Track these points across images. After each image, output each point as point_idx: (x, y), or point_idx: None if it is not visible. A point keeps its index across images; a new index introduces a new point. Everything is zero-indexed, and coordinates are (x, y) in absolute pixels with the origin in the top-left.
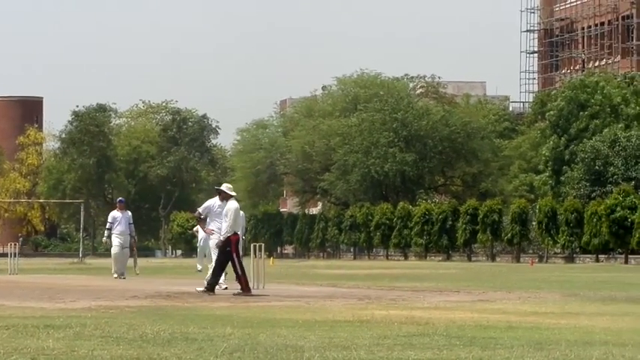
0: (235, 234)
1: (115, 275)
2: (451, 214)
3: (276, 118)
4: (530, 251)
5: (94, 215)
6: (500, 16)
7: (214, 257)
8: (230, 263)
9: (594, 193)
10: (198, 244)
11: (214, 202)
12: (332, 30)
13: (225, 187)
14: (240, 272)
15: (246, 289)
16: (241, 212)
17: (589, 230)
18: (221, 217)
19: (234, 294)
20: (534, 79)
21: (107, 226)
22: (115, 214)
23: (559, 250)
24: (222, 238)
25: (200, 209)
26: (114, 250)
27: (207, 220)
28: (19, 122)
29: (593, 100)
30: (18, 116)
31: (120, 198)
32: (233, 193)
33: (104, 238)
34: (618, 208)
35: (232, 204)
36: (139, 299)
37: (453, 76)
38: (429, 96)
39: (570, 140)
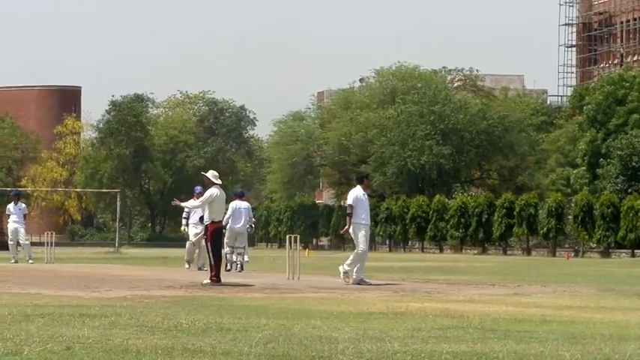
0: (213, 223)
1: (187, 266)
2: (487, 208)
3: (313, 110)
4: (566, 245)
5: (130, 205)
6: (539, 9)
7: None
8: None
9: (631, 189)
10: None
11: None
12: (370, 22)
13: (210, 173)
14: (213, 262)
15: (214, 278)
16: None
17: (625, 225)
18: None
19: (202, 283)
20: (572, 72)
21: (184, 215)
22: (192, 203)
23: (595, 245)
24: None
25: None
26: (190, 239)
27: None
28: (57, 111)
29: (630, 97)
30: (56, 105)
31: (197, 187)
32: (216, 181)
33: (182, 227)
34: None
35: (211, 189)
36: (174, 289)
37: (491, 69)
38: (467, 89)
39: (608, 134)
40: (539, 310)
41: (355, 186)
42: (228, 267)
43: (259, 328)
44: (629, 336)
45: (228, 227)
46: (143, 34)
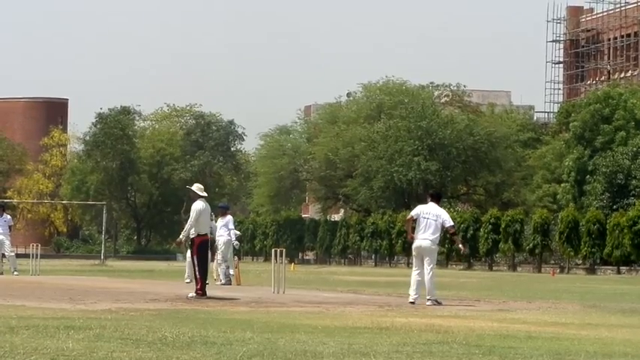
0: (199, 235)
1: (188, 280)
2: (473, 223)
3: (300, 124)
4: (552, 262)
5: (116, 217)
6: (527, 26)
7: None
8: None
9: (616, 205)
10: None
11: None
12: (358, 37)
13: (195, 187)
14: (199, 275)
15: (200, 291)
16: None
17: (611, 242)
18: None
19: (187, 297)
20: (559, 89)
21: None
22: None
23: (580, 261)
24: (182, 238)
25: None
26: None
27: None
28: (43, 123)
29: (616, 115)
30: (43, 117)
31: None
32: (202, 194)
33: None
34: None
35: (196, 205)
36: (159, 302)
37: (478, 85)
38: (454, 104)
39: (595, 152)
40: (525, 326)
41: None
42: (224, 281)
43: (244, 342)
44: (613, 353)
45: (227, 241)
46: (131, 47)
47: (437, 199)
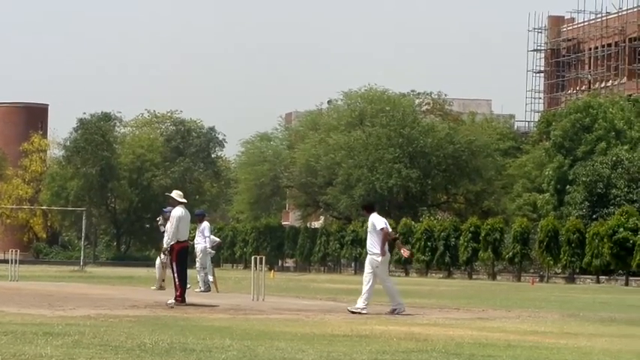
0: (179, 242)
1: (154, 288)
2: (453, 232)
3: (280, 131)
4: (532, 271)
5: (96, 223)
6: (508, 35)
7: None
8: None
9: (596, 214)
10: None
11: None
12: (339, 44)
13: (174, 193)
14: (177, 282)
15: (179, 298)
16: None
17: (590, 251)
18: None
19: (167, 303)
20: (540, 98)
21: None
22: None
23: (560, 271)
24: (166, 247)
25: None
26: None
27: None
28: (23, 129)
29: (597, 124)
30: (22, 122)
31: (165, 209)
32: (181, 200)
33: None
34: (620, 230)
35: (175, 211)
36: (138, 309)
37: (459, 94)
38: (435, 113)
39: (575, 161)
40: (504, 335)
41: (371, 213)
42: (203, 288)
43: (223, 349)
44: None
45: (204, 248)
46: (111, 53)
47: (369, 209)
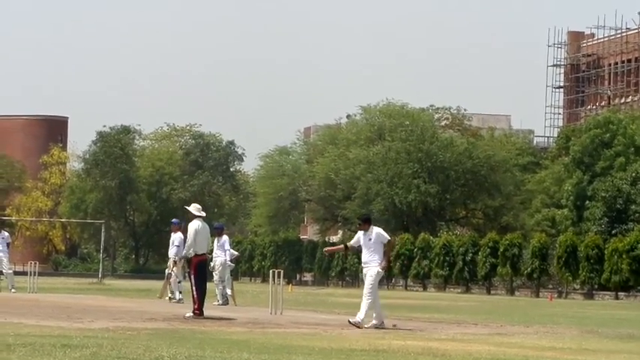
0: (197, 255)
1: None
2: (471, 247)
3: (299, 145)
4: (550, 286)
5: (115, 236)
6: (527, 50)
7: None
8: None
9: (615, 230)
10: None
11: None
12: (358, 59)
13: (192, 207)
14: (195, 295)
15: (197, 312)
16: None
17: (609, 267)
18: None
19: (185, 316)
20: (560, 113)
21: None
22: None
23: (578, 286)
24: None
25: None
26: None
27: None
28: (43, 141)
29: (616, 140)
30: (42, 135)
31: (174, 220)
32: (199, 214)
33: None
34: (639, 246)
35: (192, 224)
36: (156, 321)
37: (478, 109)
38: (454, 128)
39: (594, 177)
40: (522, 351)
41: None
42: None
43: None
44: None
45: (223, 262)
46: (131, 66)
47: (369, 222)
